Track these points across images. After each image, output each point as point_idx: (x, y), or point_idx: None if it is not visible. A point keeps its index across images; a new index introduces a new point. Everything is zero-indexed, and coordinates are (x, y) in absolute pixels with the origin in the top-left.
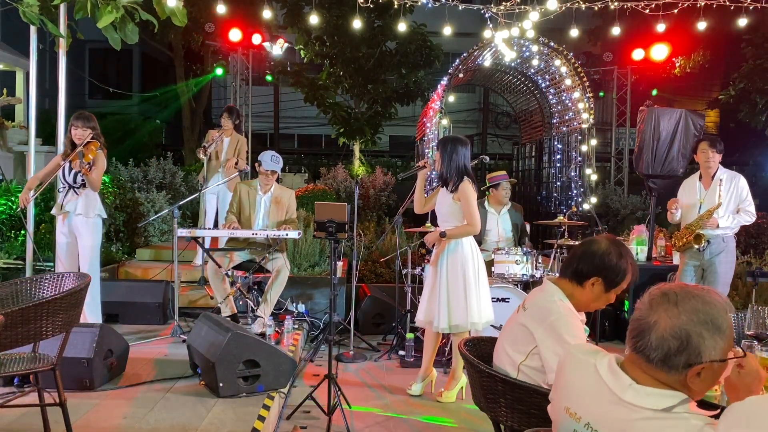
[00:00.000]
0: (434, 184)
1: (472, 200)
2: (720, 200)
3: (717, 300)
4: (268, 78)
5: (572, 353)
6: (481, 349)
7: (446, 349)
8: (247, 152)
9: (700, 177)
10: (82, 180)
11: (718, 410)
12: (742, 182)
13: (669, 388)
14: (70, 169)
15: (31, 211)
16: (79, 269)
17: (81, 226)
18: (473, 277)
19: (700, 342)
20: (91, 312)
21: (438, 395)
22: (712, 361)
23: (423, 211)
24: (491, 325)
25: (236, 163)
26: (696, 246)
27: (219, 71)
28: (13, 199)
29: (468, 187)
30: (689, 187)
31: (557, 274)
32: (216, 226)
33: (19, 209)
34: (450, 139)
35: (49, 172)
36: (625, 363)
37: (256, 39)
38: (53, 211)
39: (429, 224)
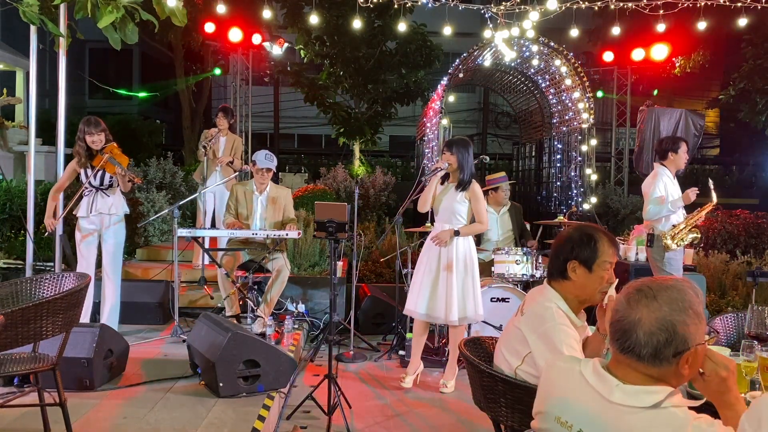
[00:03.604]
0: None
1: (483, 200)
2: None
3: (687, 286)
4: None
5: (554, 364)
6: (481, 349)
7: (447, 349)
8: (245, 152)
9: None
10: (110, 182)
11: (703, 400)
12: None
13: (658, 383)
14: (95, 173)
15: (31, 211)
16: (99, 269)
17: (111, 224)
18: (477, 273)
19: (685, 329)
20: (113, 315)
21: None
22: (697, 345)
23: (427, 209)
24: (492, 326)
25: (231, 162)
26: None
27: (217, 71)
28: (13, 199)
29: (478, 187)
30: (669, 184)
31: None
32: (214, 225)
33: (47, 233)
34: (463, 141)
35: (67, 178)
36: (610, 364)
37: (256, 39)
38: (79, 214)
39: (429, 224)
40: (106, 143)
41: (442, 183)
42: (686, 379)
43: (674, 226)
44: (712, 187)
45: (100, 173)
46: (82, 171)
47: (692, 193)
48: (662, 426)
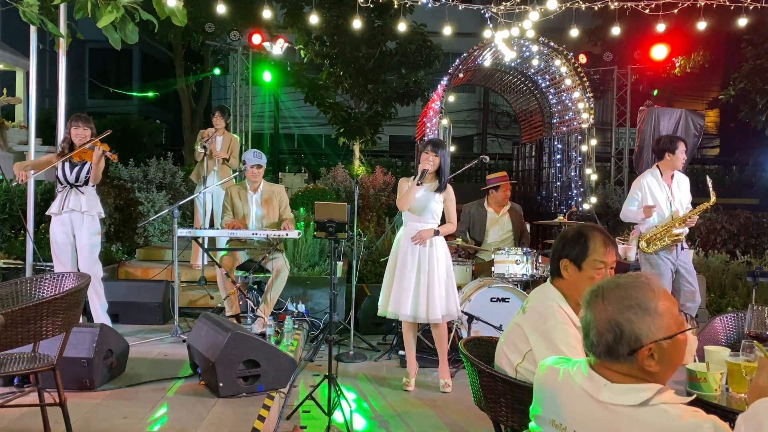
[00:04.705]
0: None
1: (454, 200)
2: (686, 199)
3: (642, 283)
4: (267, 80)
5: (546, 365)
6: (481, 349)
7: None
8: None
9: (661, 175)
10: (86, 178)
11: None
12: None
13: (639, 381)
14: (71, 168)
15: (31, 211)
16: (78, 269)
17: (84, 224)
18: (452, 271)
19: (632, 326)
20: (103, 312)
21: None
22: (656, 340)
23: (406, 209)
24: (492, 326)
25: (227, 160)
26: (678, 243)
27: (217, 71)
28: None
29: (451, 189)
30: (654, 186)
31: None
32: (212, 226)
33: (15, 183)
34: (443, 143)
35: (42, 163)
36: (595, 365)
37: (256, 39)
38: (51, 211)
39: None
40: (93, 139)
41: (419, 184)
42: (662, 377)
43: (655, 227)
44: (710, 185)
45: (76, 169)
46: (59, 166)
47: (646, 209)
48: (653, 423)
